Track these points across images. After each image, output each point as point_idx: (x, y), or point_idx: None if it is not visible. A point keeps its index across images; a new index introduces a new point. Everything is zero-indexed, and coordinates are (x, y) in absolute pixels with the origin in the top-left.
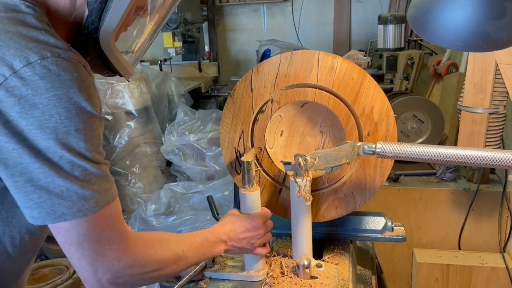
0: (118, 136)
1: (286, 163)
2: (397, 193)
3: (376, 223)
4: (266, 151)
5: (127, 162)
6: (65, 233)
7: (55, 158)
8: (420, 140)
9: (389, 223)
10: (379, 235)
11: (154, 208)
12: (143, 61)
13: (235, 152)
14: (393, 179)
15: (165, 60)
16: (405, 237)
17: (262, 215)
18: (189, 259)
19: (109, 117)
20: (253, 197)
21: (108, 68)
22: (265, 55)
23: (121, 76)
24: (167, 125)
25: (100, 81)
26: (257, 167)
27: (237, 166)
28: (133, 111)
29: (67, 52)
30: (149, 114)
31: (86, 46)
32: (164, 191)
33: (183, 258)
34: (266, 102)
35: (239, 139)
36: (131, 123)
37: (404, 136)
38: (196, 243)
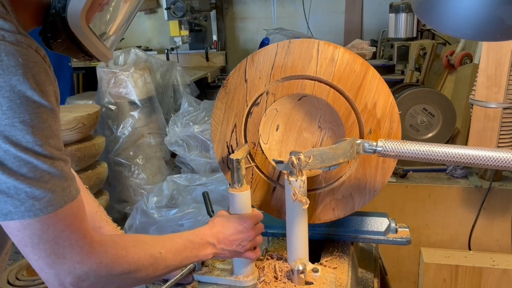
0: (121, 126)
1: (278, 162)
2: (404, 190)
3: (379, 224)
4: (260, 147)
5: (131, 153)
6: (17, 233)
7: None
8: (430, 135)
9: (393, 225)
10: (381, 237)
11: (156, 200)
12: (150, 50)
13: (227, 146)
14: (401, 175)
15: (172, 49)
16: (410, 239)
17: (253, 216)
18: (169, 262)
19: (112, 107)
20: (243, 197)
21: (83, 51)
22: (263, 44)
23: (98, 60)
24: (172, 116)
25: (103, 70)
26: (250, 164)
27: (228, 161)
28: (137, 101)
29: (14, 35)
30: (153, 104)
31: (55, 27)
32: (167, 183)
33: (161, 261)
34: (261, 94)
35: (232, 132)
36: (135, 113)
37: (414, 130)
38: (177, 245)
